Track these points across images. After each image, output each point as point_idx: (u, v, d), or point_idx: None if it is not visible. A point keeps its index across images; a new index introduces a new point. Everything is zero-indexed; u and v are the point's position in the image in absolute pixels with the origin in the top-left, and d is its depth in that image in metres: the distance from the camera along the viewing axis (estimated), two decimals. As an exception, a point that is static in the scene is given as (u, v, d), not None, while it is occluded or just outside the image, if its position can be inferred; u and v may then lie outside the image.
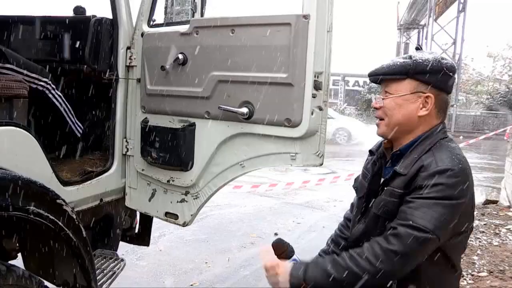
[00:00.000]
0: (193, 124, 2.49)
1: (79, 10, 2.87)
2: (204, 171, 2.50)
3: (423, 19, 31.08)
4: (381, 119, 1.81)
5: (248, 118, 2.27)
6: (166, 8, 2.83)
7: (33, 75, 2.53)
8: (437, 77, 1.70)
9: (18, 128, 2.06)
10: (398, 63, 1.74)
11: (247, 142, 2.34)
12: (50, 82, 2.60)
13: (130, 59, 2.78)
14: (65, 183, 2.43)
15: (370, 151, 2.01)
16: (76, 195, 2.50)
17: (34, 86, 2.53)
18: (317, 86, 2.14)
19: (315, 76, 2.13)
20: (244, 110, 2.25)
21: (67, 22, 2.86)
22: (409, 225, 1.57)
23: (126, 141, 2.83)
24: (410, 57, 1.74)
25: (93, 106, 2.93)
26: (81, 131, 2.85)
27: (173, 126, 2.56)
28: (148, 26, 2.71)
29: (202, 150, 2.48)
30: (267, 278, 1.81)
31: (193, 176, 2.53)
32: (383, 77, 1.78)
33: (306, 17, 2.08)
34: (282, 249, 1.85)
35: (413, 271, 1.63)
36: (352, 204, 2.09)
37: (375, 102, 1.83)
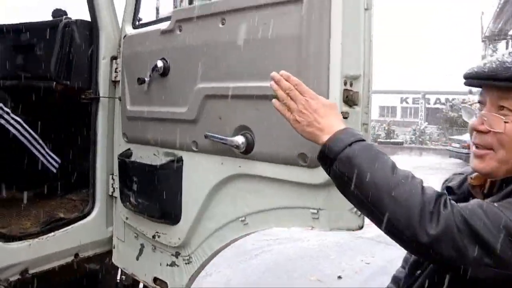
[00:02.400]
0: (179, 160, 1.72)
1: (58, 13, 2.26)
2: (195, 227, 1.70)
3: (512, 29, 28.20)
4: (488, 149, 1.06)
5: (246, 152, 1.45)
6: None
7: None
8: None
9: None
10: None
11: (249, 188, 1.51)
12: (1, 105, 1.98)
13: (116, 72, 2.09)
14: (9, 238, 1.78)
15: (448, 188, 1.24)
16: (29, 253, 1.83)
17: None
18: (350, 100, 1.28)
19: (345, 83, 1.27)
20: (239, 139, 1.44)
21: (34, 28, 2.25)
22: None
23: (112, 178, 2.13)
24: None
25: (72, 132, 2.26)
26: (56, 164, 2.18)
27: (155, 161, 1.81)
28: (133, 27, 2.01)
29: (192, 196, 1.69)
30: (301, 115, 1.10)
31: (181, 233, 1.74)
32: (499, 83, 1.02)
33: (326, -14, 1.24)
34: None
35: None
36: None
37: (479, 122, 1.07)
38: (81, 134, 2.19)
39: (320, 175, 1.29)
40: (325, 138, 1.07)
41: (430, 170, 11.58)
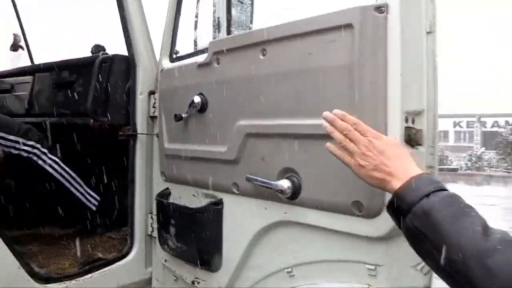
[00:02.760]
0: (219, 202, 1.58)
1: (97, 49, 2.22)
2: (237, 275, 1.54)
3: None
4: None
5: (292, 197, 1.29)
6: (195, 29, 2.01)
7: (11, 137, 1.87)
8: None
9: None
10: None
11: (296, 237, 1.34)
12: (38, 146, 1.93)
13: (153, 107, 1.99)
14: (47, 279, 1.69)
15: None
16: (63, 295, 1.73)
17: (15, 151, 1.87)
18: (412, 139, 1.10)
19: (406, 120, 1.09)
20: (284, 184, 1.28)
21: (73, 65, 2.21)
22: None
23: (151, 217, 2.01)
24: None
25: (111, 169, 2.18)
26: (96, 202, 2.10)
27: (194, 202, 1.68)
28: (170, 60, 1.91)
29: (233, 242, 1.53)
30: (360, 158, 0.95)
31: (222, 281, 1.58)
32: None
33: (381, 9, 1.08)
34: None
35: None
36: None
37: None
38: (120, 172, 2.10)
39: (378, 226, 1.11)
40: (396, 184, 0.90)
41: (492, 199, 10.74)
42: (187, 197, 1.75)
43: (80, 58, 2.13)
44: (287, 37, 1.28)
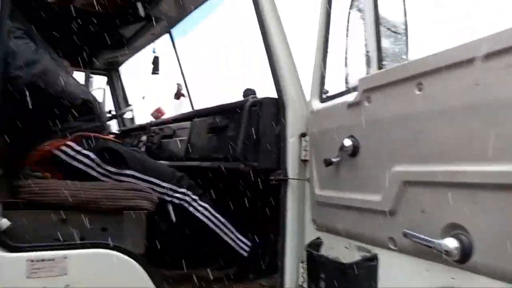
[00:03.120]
0: (374, 258, 1.42)
1: (248, 93, 2.27)
2: None
3: None
4: None
5: (461, 261, 1.08)
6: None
7: (165, 184, 1.99)
8: None
9: (115, 252, 1.52)
10: None
11: (468, 309, 1.12)
12: (189, 193, 2.02)
13: (305, 150, 1.95)
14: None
15: None
16: None
17: (168, 198, 1.98)
18: None
19: None
20: (450, 243, 1.08)
21: (226, 109, 2.29)
22: None
23: (303, 267, 1.93)
24: None
25: (263, 215, 2.17)
26: (247, 248, 2.11)
27: (346, 255, 1.54)
28: (320, 101, 1.86)
29: (391, 306, 1.36)
30: None
31: None
32: None
33: None
34: None
35: None
36: None
37: None
38: (271, 217, 2.08)
39: None
40: None
41: None
42: (339, 249, 1.62)
43: (231, 103, 2.22)
44: (449, 66, 1.11)
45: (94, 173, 1.92)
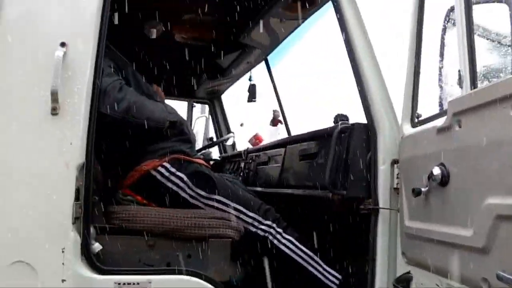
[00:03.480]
0: (467, 300, 1.28)
1: (339, 118, 2.21)
2: None
3: None
4: None
5: None
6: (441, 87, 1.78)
7: (252, 214, 2.01)
8: None
9: (198, 279, 1.60)
10: None
11: None
12: (274, 226, 2.01)
13: (398, 178, 1.85)
14: None
15: None
16: None
17: (253, 229, 2.00)
18: None
19: None
20: (552, 290, 0.94)
21: (316, 136, 2.24)
22: None
23: (396, 302, 1.82)
24: None
25: (352, 246, 2.08)
26: (336, 281, 2.04)
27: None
28: (411, 125, 1.76)
29: None
30: None
31: None
32: None
33: None
34: None
35: None
36: None
37: None
38: (361, 248, 2.00)
39: None
40: None
41: None
42: (429, 286, 1.50)
43: (321, 129, 2.19)
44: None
45: (185, 195, 2.00)
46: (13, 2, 1.61)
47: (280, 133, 3.39)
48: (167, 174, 2.00)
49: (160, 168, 2.00)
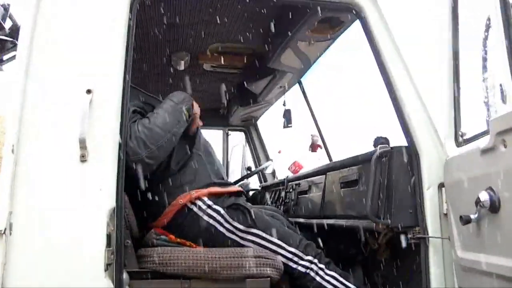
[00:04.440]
0: None
1: (378, 142, 2.16)
2: None
3: None
4: None
5: None
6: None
7: (291, 249, 2.00)
8: None
9: None
10: None
11: None
12: (315, 261, 1.98)
13: (446, 202, 1.80)
14: None
15: None
16: None
17: (294, 265, 1.98)
18: None
19: None
20: None
21: (356, 162, 2.19)
22: None
23: None
24: None
25: (402, 280, 2.02)
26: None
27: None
28: (456, 145, 1.71)
29: None
30: None
31: None
32: None
33: None
34: None
35: None
36: None
37: None
38: (412, 282, 1.94)
39: None
40: None
41: None
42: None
43: (360, 155, 2.16)
44: None
45: (221, 229, 2.02)
46: (40, 51, 1.70)
47: (320, 158, 3.37)
48: (204, 207, 2.04)
49: (197, 201, 2.04)
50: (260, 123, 4.27)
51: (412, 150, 1.87)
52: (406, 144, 1.91)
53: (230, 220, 2.04)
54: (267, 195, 3.73)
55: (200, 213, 2.03)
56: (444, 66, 1.82)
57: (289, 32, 2.40)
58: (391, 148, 1.94)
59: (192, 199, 2.04)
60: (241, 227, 2.04)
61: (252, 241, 2.02)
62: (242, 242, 2.02)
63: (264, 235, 2.03)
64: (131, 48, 1.77)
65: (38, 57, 1.69)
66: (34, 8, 1.71)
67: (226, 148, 4.35)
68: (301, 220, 2.73)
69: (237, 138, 4.48)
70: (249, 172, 3.84)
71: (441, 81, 1.83)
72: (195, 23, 2.52)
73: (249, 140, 4.32)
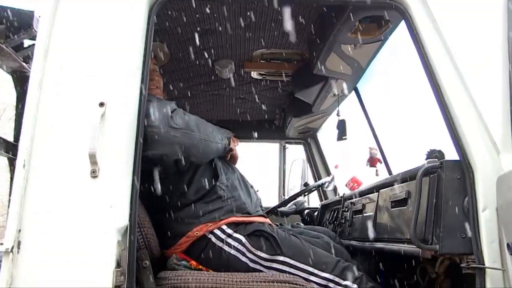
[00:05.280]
0: None
1: (431, 155, 1.96)
2: None
3: None
4: None
5: None
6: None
7: (325, 275, 1.88)
8: None
9: None
10: None
11: None
12: (354, 286, 1.85)
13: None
14: None
15: None
16: None
17: None
18: None
19: None
20: None
21: (404, 178, 2.01)
22: None
23: None
24: None
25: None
26: None
27: None
28: (513, 157, 1.52)
29: None
30: None
31: None
32: None
33: None
34: None
35: None
36: None
37: None
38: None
39: None
40: None
41: None
42: None
43: (410, 170, 1.99)
44: None
45: (244, 259, 1.95)
46: (53, 63, 1.73)
47: (379, 174, 3.18)
48: (223, 236, 1.97)
49: (216, 230, 1.98)
50: (319, 135, 4.16)
51: (464, 165, 1.70)
52: (458, 158, 1.74)
53: (253, 249, 1.97)
54: (327, 215, 3.61)
55: (219, 243, 1.98)
56: (500, 69, 1.64)
57: (327, 35, 2.30)
58: (440, 162, 1.77)
59: (210, 229, 1.99)
60: (265, 255, 1.96)
61: (279, 270, 1.93)
62: (268, 272, 1.94)
63: (292, 262, 1.93)
64: (148, 59, 1.76)
65: (52, 69, 1.71)
66: (50, 16, 1.75)
67: (283, 162, 4.27)
68: (354, 242, 2.59)
69: (297, 151, 4.39)
70: (303, 189, 3.70)
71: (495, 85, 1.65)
72: (233, 28, 2.49)
73: (308, 153, 4.21)
